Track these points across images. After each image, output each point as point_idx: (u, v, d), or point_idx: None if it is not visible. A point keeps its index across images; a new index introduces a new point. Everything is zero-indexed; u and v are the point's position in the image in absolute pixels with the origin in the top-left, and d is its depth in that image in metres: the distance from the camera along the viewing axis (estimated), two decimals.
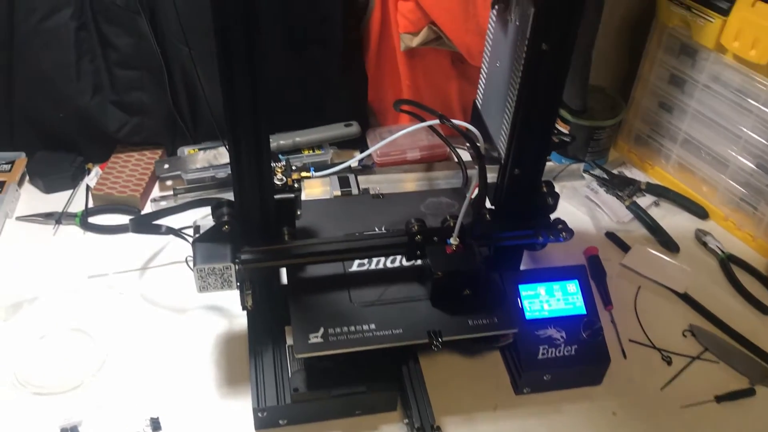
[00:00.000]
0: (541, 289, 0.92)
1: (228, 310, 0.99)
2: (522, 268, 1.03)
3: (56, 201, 1.14)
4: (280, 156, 1.17)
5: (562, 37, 0.75)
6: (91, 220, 1.10)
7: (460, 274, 0.85)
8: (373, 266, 0.90)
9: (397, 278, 0.89)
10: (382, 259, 0.91)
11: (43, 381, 0.88)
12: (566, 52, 0.76)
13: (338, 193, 1.04)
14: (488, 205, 0.92)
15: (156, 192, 1.17)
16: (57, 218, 1.09)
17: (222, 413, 0.86)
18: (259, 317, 0.92)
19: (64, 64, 1.07)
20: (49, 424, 0.83)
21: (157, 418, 0.85)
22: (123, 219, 1.11)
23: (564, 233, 0.91)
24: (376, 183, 1.19)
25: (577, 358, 0.89)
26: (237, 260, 0.83)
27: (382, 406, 0.86)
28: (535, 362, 0.88)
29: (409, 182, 1.20)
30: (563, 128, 1.21)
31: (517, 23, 0.80)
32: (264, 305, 0.91)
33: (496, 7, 0.87)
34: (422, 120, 1.18)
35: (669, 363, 0.96)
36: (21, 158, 1.17)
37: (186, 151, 1.19)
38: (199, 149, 1.19)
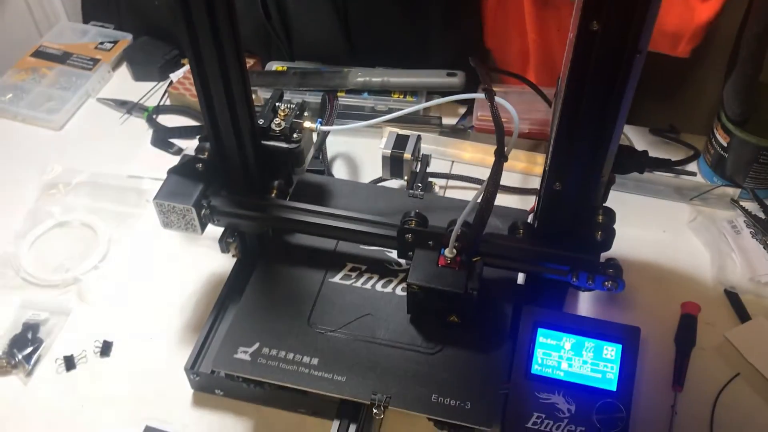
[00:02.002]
0: (567, 341, 0.70)
1: None
2: (577, 305, 0.81)
3: (143, 90, 1.11)
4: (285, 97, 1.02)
5: (624, 16, 0.51)
6: (162, 118, 1.06)
7: (440, 294, 0.66)
8: (359, 283, 0.75)
9: (380, 309, 0.72)
10: (375, 277, 0.75)
11: (34, 268, 0.87)
12: (629, 40, 0.52)
13: (387, 152, 0.87)
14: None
15: None
16: (129, 108, 1.07)
17: (177, 359, 0.79)
18: (243, 271, 0.81)
19: None
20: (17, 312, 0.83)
21: (111, 343, 0.81)
22: (190, 124, 1.06)
23: (610, 281, 0.67)
24: (463, 152, 1.00)
25: None
26: (205, 204, 0.73)
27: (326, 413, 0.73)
28: (522, 430, 0.68)
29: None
30: (722, 138, 0.91)
31: None
32: (250, 259, 0.80)
33: None
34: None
35: None
36: (125, 40, 1.15)
37: (274, 66, 1.09)
38: (289, 67, 1.08)
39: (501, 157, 0.62)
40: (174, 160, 0.86)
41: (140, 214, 0.94)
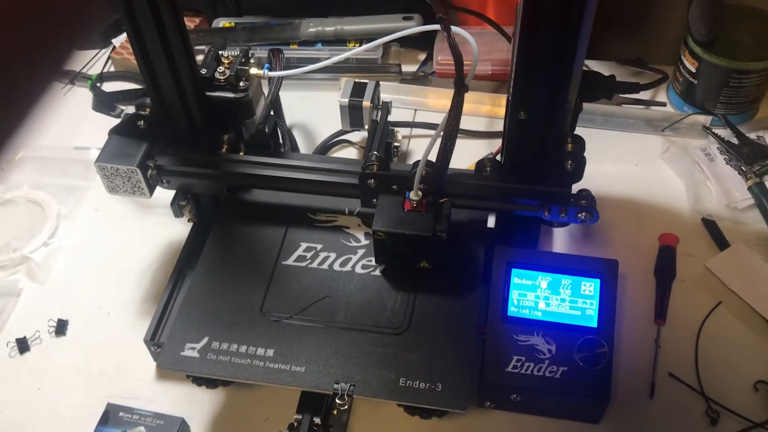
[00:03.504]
0: (543, 280, 0.67)
1: None
2: (552, 245, 0.79)
3: (85, 58, 1.05)
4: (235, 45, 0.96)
5: None
6: (107, 86, 1.00)
7: (407, 239, 0.63)
8: (315, 264, 0.68)
9: (338, 290, 0.66)
10: (332, 256, 0.69)
11: None
12: None
13: (345, 101, 0.83)
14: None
15: None
16: (71, 78, 1.01)
17: (136, 333, 0.75)
18: (200, 235, 0.77)
19: None
20: None
21: (66, 321, 0.76)
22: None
23: (583, 213, 0.64)
24: (425, 99, 0.96)
25: (561, 385, 0.64)
26: (150, 165, 0.68)
27: None
28: (501, 374, 0.64)
29: (471, 105, 0.95)
30: (690, 64, 0.88)
31: None
32: (207, 222, 0.76)
33: None
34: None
35: (714, 422, 0.67)
36: None
37: (222, 23, 1.03)
38: (237, 23, 1.03)
39: (461, 88, 0.58)
40: None
41: (89, 186, 0.89)
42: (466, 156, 0.84)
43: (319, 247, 0.70)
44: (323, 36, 0.98)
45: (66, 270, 0.81)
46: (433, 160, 0.62)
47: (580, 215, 0.64)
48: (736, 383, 0.70)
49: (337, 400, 0.60)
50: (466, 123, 0.94)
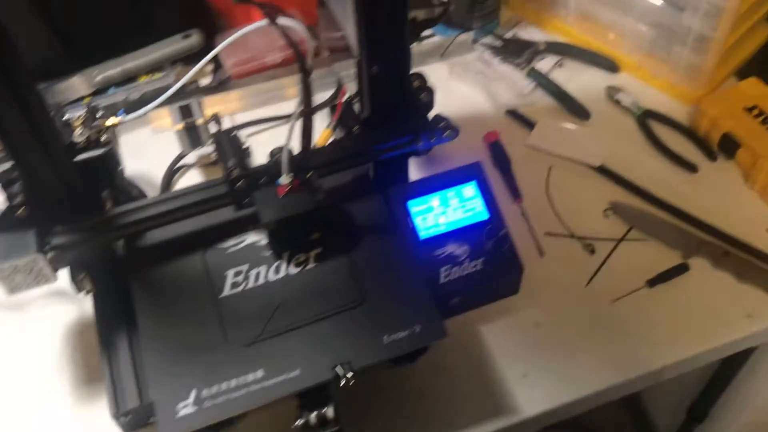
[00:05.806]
0: (434, 200, 0.77)
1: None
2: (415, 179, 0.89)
3: None
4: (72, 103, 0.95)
5: None
6: None
7: (295, 220, 0.67)
8: (251, 283, 0.68)
9: (286, 294, 0.68)
10: (262, 270, 0.69)
11: None
12: None
13: (180, 126, 0.85)
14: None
15: None
16: None
17: (82, 421, 0.72)
18: (106, 299, 0.75)
19: None
20: None
21: None
22: None
23: (447, 131, 0.75)
24: (234, 102, 1.01)
25: (485, 274, 0.75)
26: (47, 247, 0.66)
27: None
28: (438, 288, 0.74)
29: (277, 92, 1.02)
30: None
31: None
32: (108, 284, 0.75)
33: None
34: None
35: (592, 252, 0.84)
36: None
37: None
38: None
39: (306, 72, 0.62)
40: None
41: None
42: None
43: (245, 267, 0.70)
44: (112, 80, 0.98)
45: None
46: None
47: (446, 134, 0.75)
48: (590, 218, 0.87)
49: (342, 381, 0.62)
50: (281, 109, 1.01)
